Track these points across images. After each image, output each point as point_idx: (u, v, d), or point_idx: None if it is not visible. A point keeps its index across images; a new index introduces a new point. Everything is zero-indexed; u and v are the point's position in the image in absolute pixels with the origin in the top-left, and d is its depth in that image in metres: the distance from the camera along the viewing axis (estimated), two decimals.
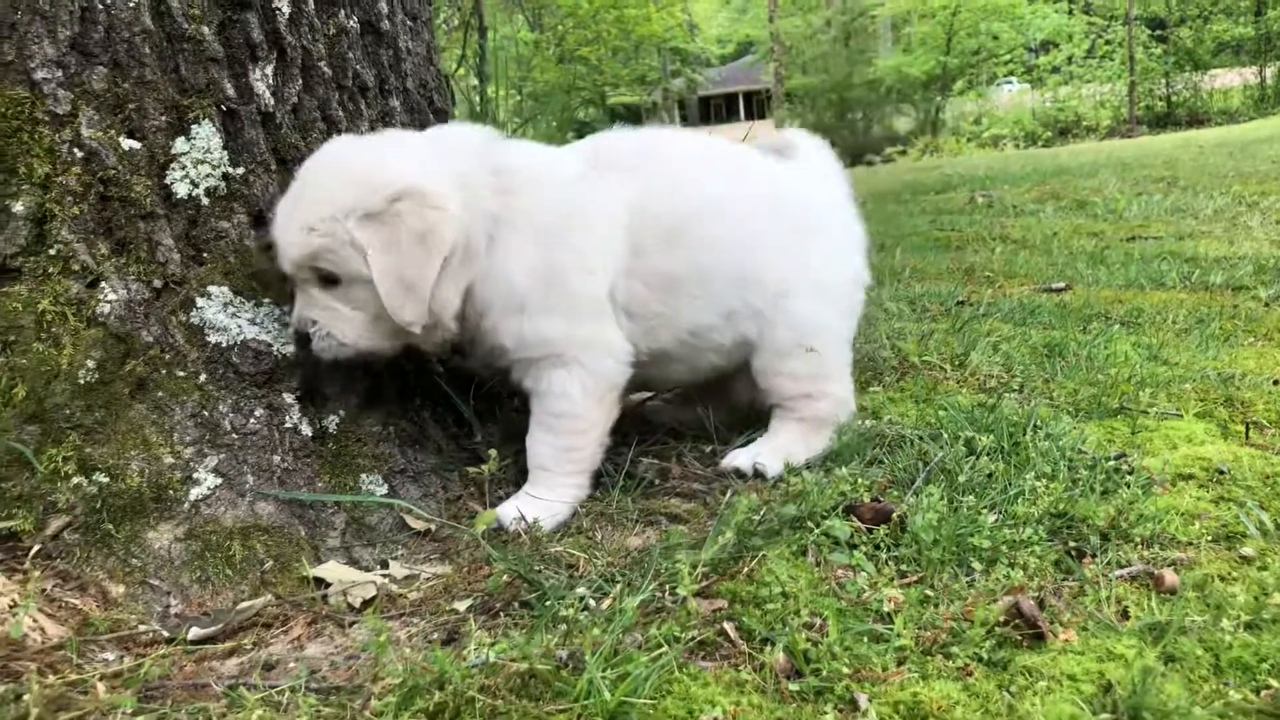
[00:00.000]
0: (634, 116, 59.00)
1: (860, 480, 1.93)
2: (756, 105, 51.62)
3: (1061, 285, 4.17)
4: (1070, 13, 32.18)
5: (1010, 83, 34.30)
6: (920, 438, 2.18)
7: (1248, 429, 2.28)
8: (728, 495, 2.06)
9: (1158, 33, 28.81)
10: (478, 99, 26.49)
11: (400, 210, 2.02)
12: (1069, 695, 1.30)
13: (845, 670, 1.38)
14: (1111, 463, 2.04)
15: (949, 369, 2.78)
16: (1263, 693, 1.30)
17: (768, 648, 1.42)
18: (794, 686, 1.35)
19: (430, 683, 1.33)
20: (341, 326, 2.08)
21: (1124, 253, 5.18)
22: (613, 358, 2.22)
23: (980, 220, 7.26)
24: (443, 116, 2.98)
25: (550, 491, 2.15)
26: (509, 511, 2.09)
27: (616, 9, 23.49)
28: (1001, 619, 1.48)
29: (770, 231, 2.37)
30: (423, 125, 2.82)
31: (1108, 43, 29.71)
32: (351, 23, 2.47)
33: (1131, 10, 27.82)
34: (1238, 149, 11.25)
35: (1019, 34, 31.26)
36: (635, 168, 2.33)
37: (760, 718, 1.29)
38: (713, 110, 64.89)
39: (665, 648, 1.41)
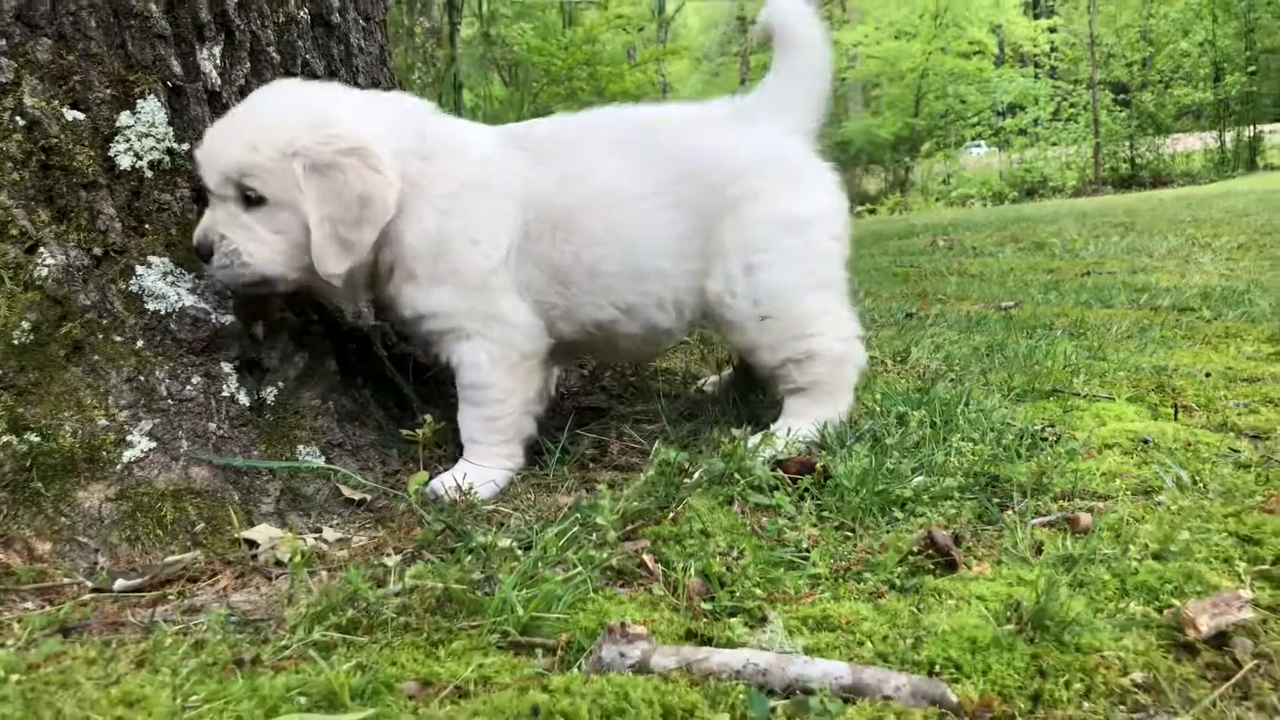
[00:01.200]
0: None
1: (789, 442, 1.96)
2: None
3: (1011, 304, 4.24)
4: (1036, 77, 32.86)
5: (978, 145, 34.89)
6: (853, 415, 2.21)
7: (1176, 410, 2.32)
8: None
9: (1121, 97, 29.44)
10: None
11: (346, 166, 2.07)
12: (976, 610, 1.32)
13: (759, 592, 1.39)
14: (1038, 431, 2.07)
15: (890, 363, 2.81)
16: (1164, 611, 1.33)
17: (683, 572, 1.44)
18: (706, 605, 1.36)
19: (343, 600, 1.34)
20: (252, 247, 2.09)
21: (1078, 284, 5.26)
22: (515, 329, 2.21)
23: (940, 259, 7.36)
24: None
25: (483, 460, 2.16)
26: (445, 481, 2.09)
27: (590, 65, 23.76)
28: (915, 549, 1.50)
29: (670, 219, 2.25)
30: None
31: (1072, 106, 30.31)
32: (302, 13, 2.51)
33: (1095, 75, 28.44)
34: (1195, 201, 11.48)
35: (986, 97, 31.86)
36: (548, 153, 2.32)
37: (670, 629, 1.30)
38: None
39: (581, 570, 1.42)
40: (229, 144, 2.07)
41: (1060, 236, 7.98)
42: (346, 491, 2.12)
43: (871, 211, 27.85)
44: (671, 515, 1.65)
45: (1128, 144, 27.86)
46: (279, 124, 2.09)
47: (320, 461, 2.15)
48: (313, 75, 2.53)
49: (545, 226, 2.24)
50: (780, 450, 1.91)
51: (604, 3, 35.25)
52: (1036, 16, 37.95)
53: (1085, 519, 1.61)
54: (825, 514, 1.69)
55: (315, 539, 1.94)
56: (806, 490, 1.76)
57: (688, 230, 2.26)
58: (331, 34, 2.63)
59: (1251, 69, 26.50)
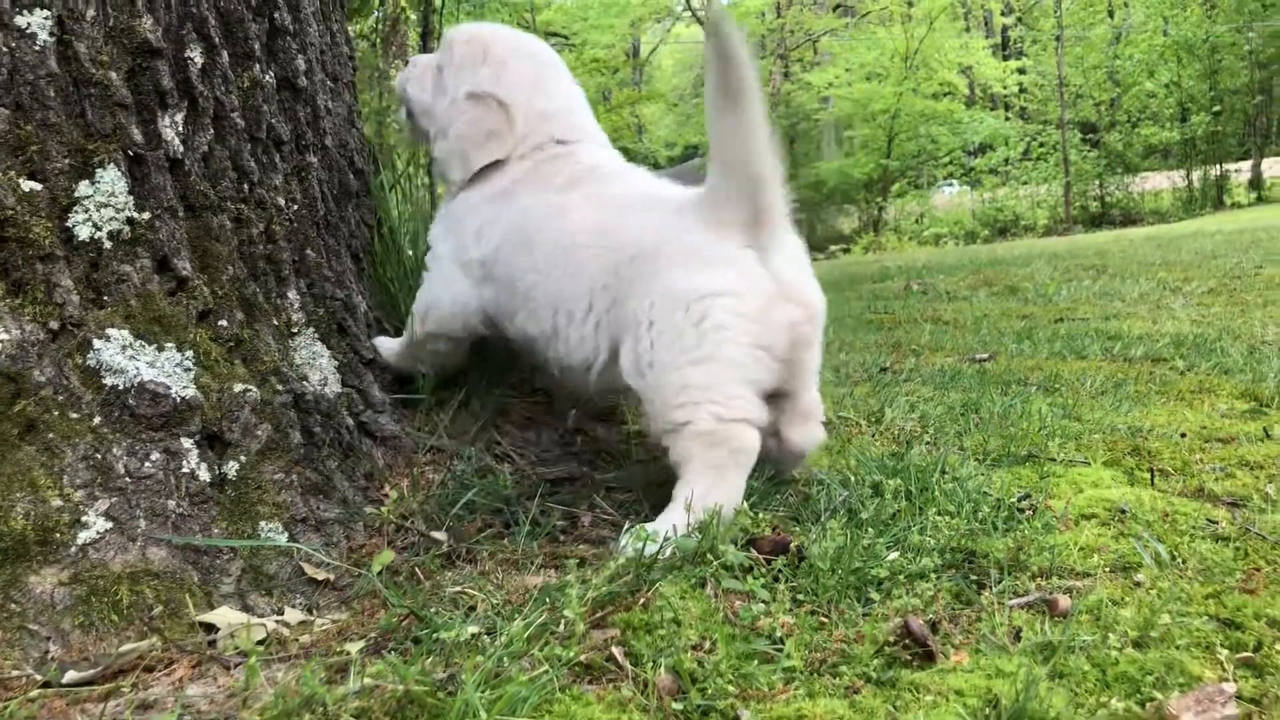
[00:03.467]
0: None
1: (761, 515, 1.92)
2: None
3: (985, 356, 4.23)
4: (1007, 118, 33.27)
5: (951, 184, 35.26)
6: (826, 482, 2.17)
7: (1153, 475, 2.30)
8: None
9: (1090, 136, 29.84)
10: (427, 196, 26.75)
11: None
12: (954, 708, 1.28)
13: (731, 690, 1.35)
14: (1015, 502, 2.05)
15: (865, 424, 2.79)
16: (1147, 705, 1.29)
17: (653, 668, 1.39)
18: (678, 705, 1.32)
19: (300, 705, 1.29)
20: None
21: (1051, 331, 5.27)
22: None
23: (914, 305, 7.37)
24: (362, 177, 2.99)
25: None
26: None
27: None
28: (891, 639, 1.46)
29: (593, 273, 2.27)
30: (342, 184, 2.83)
31: (1041, 145, 30.70)
32: (268, 77, 2.49)
33: (1064, 115, 28.81)
34: (1165, 242, 11.58)
35: (957, 138, 32.22)
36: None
37: None
38: None
39: (548, 668, 1.37)
40: None
41: (1033, 280, 8.02)
42: (310, 570, 2.07)
43: (846, 251, 28.04)
44: (643, 600, 1.61)
45: (1097, 183, 28.20)
46: None
47: (283, 538, 2.09)
48: (278, 141, 2.50)
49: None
50: (747, 528, 1.87)
51: (579, 47, 35.55)
52: (1006, 58, 38.51)
53: (1064, 602, 1.57)
54: (800, 597, 1.66)
55: (276, 622, 1.88)
56: (780, 572, 1.72)
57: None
58: (298, 96, 2.60)
59: (1216, 109, 26.92)
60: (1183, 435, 2.65)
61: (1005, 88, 35.16)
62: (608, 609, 1.60)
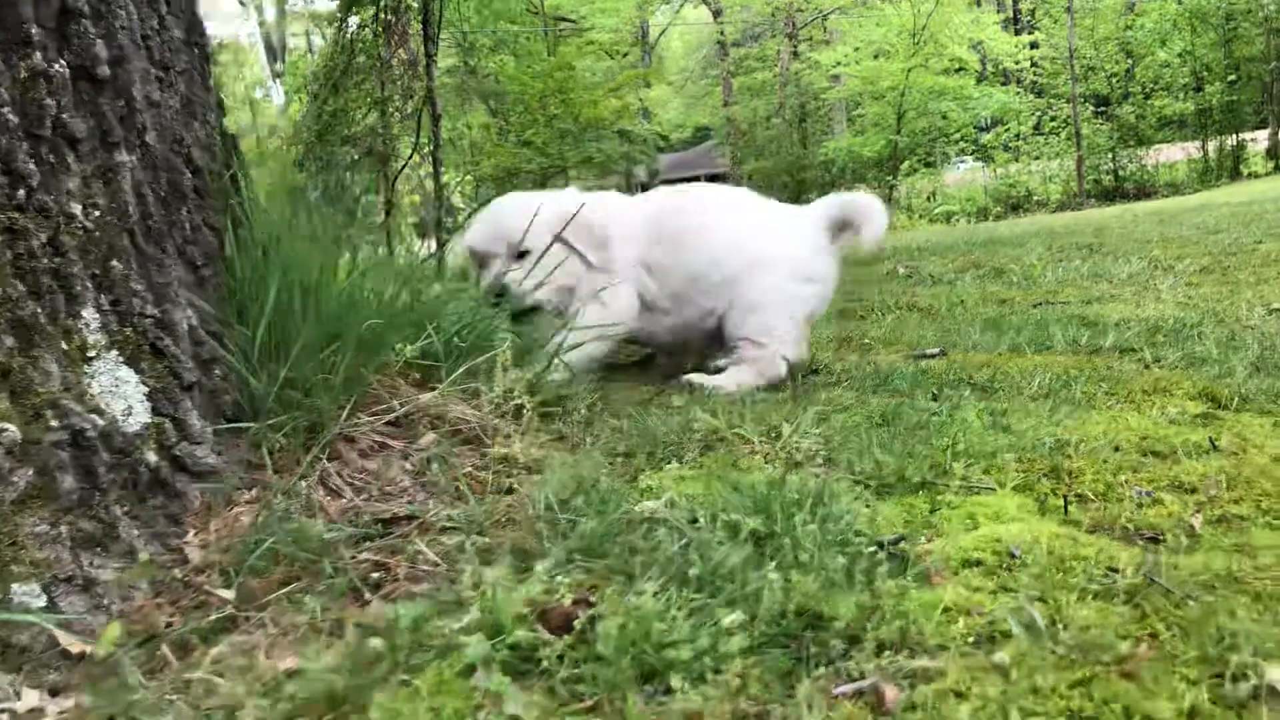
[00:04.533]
0: None
1: (562, 579, 1.61)
2: None
3: (935, 351, 3.90)
4: (1018, 92, 32.70)
5: (965, 161, 34.75)
6: (669, 521, 1.86)
7: (1066, 503, 1.98)
8: (463, 579, 1.74)
9: (1102, 109, 29.25)
10: (431, 182, 26.42)
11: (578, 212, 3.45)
12: None
13: None
14: (883, 552, 1.73)
15: (758, 441, 2.47)
16: None
17: None
18: None
19: None
20: (531, 284, 3.35)
21: (1024, 318, 4.94)
22: None
23: (893, 290, 7.04)
24: (202, 175, 2.69)
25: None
26: None
27: (563, 93, 23.56)
28: None
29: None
30: (173, 185, 2.53)
31: (1053, 119, 30.14)
32: (56, 68, 2.18)
33: (1075, 88, 28.25)
34: (1168, 217, 11.18)
35: (968, 113, 31.68)
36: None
37: None
38: None
39: None
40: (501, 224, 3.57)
41: (1021, 262, 7.66)
42: (65, 641, 1.77)
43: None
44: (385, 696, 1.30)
45: (1110, 156, 27.65)
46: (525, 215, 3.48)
47: (40, 602, 1.80)
48: (71, 139, 2.19)
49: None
50: (536, 599, 1.56)
51: (584, 29, 35.20)
52: (1018, 32, 37.89)
53: (892, 695, 1.26)
54: (582, 688, 1.35)
55: (1, 711, 1.59)
56: (564, 654, 1.41)
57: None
58: (102, 89, 2.30)
59: (1231, 78, 26.31)
60: (1116, 449, 2.33)
61: (1017, 62, 34.54)
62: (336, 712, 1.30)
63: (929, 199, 31.02)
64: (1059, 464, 2.19)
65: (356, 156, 29.68)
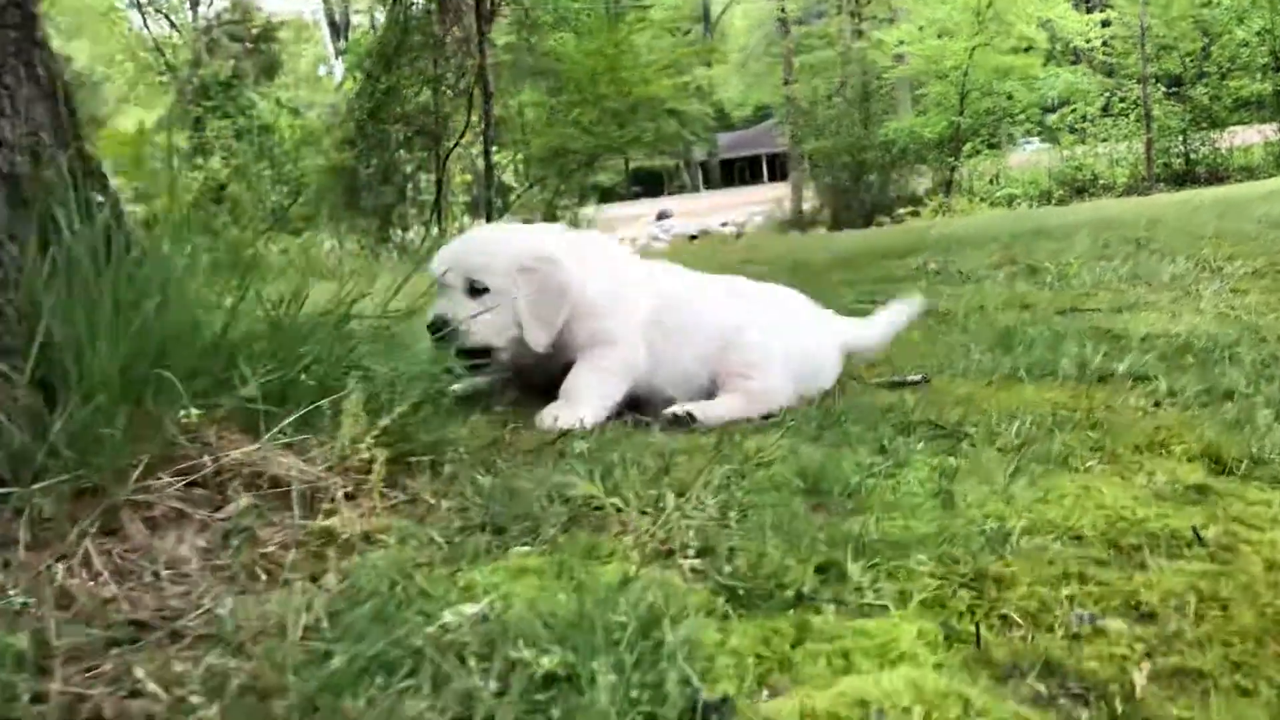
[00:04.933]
0: (655, 180, 58.93)
1: None
2: (780, 167, 51.16)
3: (917, 378, 3.40)
4: (1085, 72, 31.58)
5: (1031, 142, 33.70)
6: (431, 658, 1.42)
7: (980, 632, 1.51)
8: None
9: (1174, 90, 28.11)
10: (482, 163, 26.11)
11: (545, 269, 3.14)
12: None
13: None
14: (717, 703, 1.28)
15: (635, 515, 2.02)
16: None
17: None
18: None
19: None
20: (477, 323, 3.07)
21: (1039, 331, 4.43)
22: None
23: (915, 288, 6.51)
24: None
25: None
26: None
27: (614, 70, 23.08)
28: None
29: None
30: None
31: (1122, 100, 29.06)
32: None
33: (1145, 68, 27.17)
34: (1231, 207, 10.47)
35: (1034, 94, 30.67)
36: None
37: None
38: (736, 172, 64.72)
39: None
40: (466, 251, 3.22)
41: (1059, 260, 7.08)
42: None
43: (915, 214, 26.90)
44: None
45: (1181, 139, 26.56)
46: (497, 246, 3.23)
47: None
48: None
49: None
50: None
51: (646, 5, 34.58)
52: (1089, 10, 36.59)
53: None
54: None
55: None
56: None
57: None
58: None
59: None
60: (1073, 539, 1.85)
61: (1088, 41, 33.34)
62: None
63: (991, 182, 30.12)
64: (988, 568, 1.71)
65: (408, 135, 29.54)
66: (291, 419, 2.18)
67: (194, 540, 1.97)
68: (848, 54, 37.00)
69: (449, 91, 28.94)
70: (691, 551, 1.80)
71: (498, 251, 3.17)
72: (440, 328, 3.08)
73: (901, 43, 32.87)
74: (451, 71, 28.96)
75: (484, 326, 3.09)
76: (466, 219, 29.15)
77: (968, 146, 30.62)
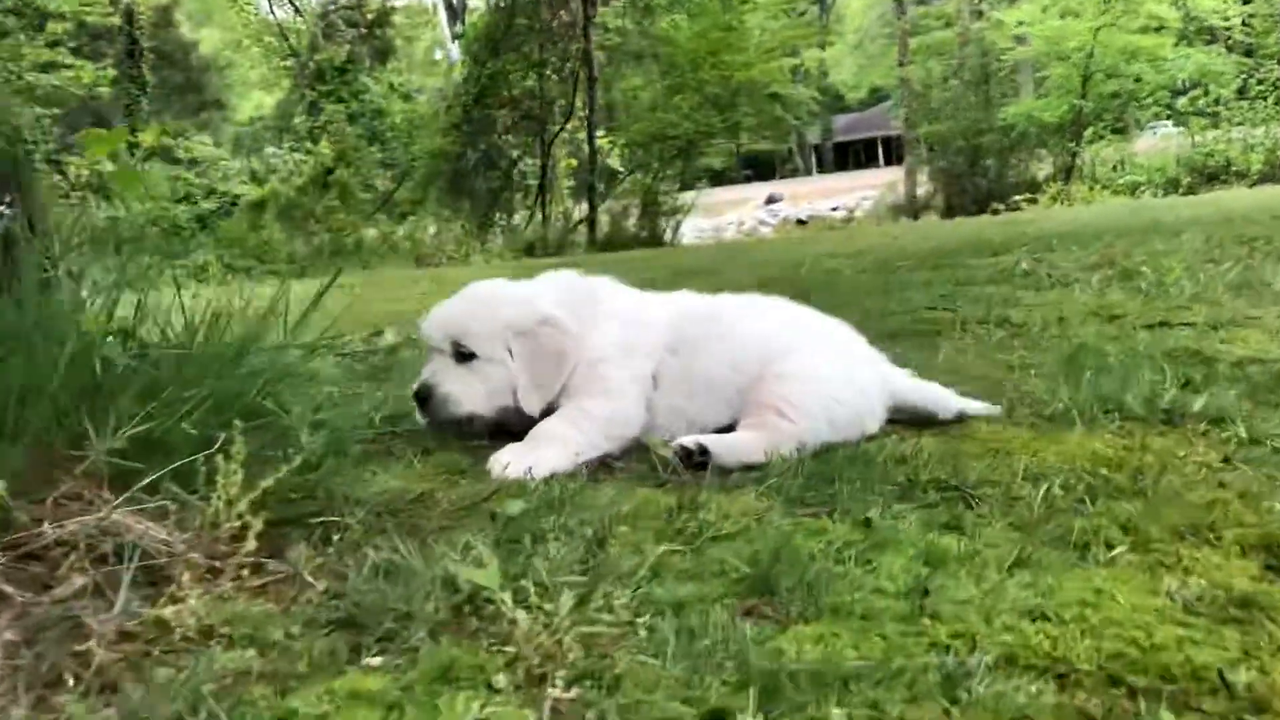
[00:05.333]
0: (766, 163, 58.16)
1: None
2: (896, 151, 49.97)
3: (954, 416, 2.97)
4: (1220, 53, 29.92)
5: (1162, 126, 32.09)
6: None
7: None
8: None
9: None
10: (587, 148, 26.01)
11: (542, 333, 2.90)
12: None
13: None
14: None
15: (524, 620, 1.65)
16: None
17: None
18: None
19: None
20: (464, 393, 2.88)
21: (1120, 349, 3.94)
22: None
23: (998, 294, 6.01)
24: None
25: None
26: None
27: (716, 54, 22.59)
28: None
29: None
30: None
31: (1260, 83, 27.44)
32: None
33: None
34: None
35: (1163, 75, 29.17)
36: None
37: None
38: (851, 156, 63.49)
39: None
40: (453, 314, 2.98)
41: (1161, 263, 6.46)
42: None
43: (1032, 201, 25.83)
44: None
45: None
46: (491, 307, 2.98)
47: None
48: None
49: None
50: None
51: None
52: None
53: None
54: None
55: None
56: None
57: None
58: None
59: None
60: (1062, 677, 1.43)
61: (1225, 19, 31.55)
62: None
63: (1115, 168, 28.74)
64: None
65: (514, 119, 29.54)
66: (148, 479, 1.88)
67: (3, 633, 1.68)
68: (966, 34, 35.73)
69: (554, 76, 28.85)
70: (562, 683, 1.44)
71: (487, 315, 2.95)
72: (425, 397, 2.91)
73: (1022, 23, 31.55)
74: (557, 56, 28.86)
75: (471, 396, 2.90)
76: (570, 203, 29.09)
77: (1090, 131, 29.28)
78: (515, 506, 2.15)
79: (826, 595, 1.72)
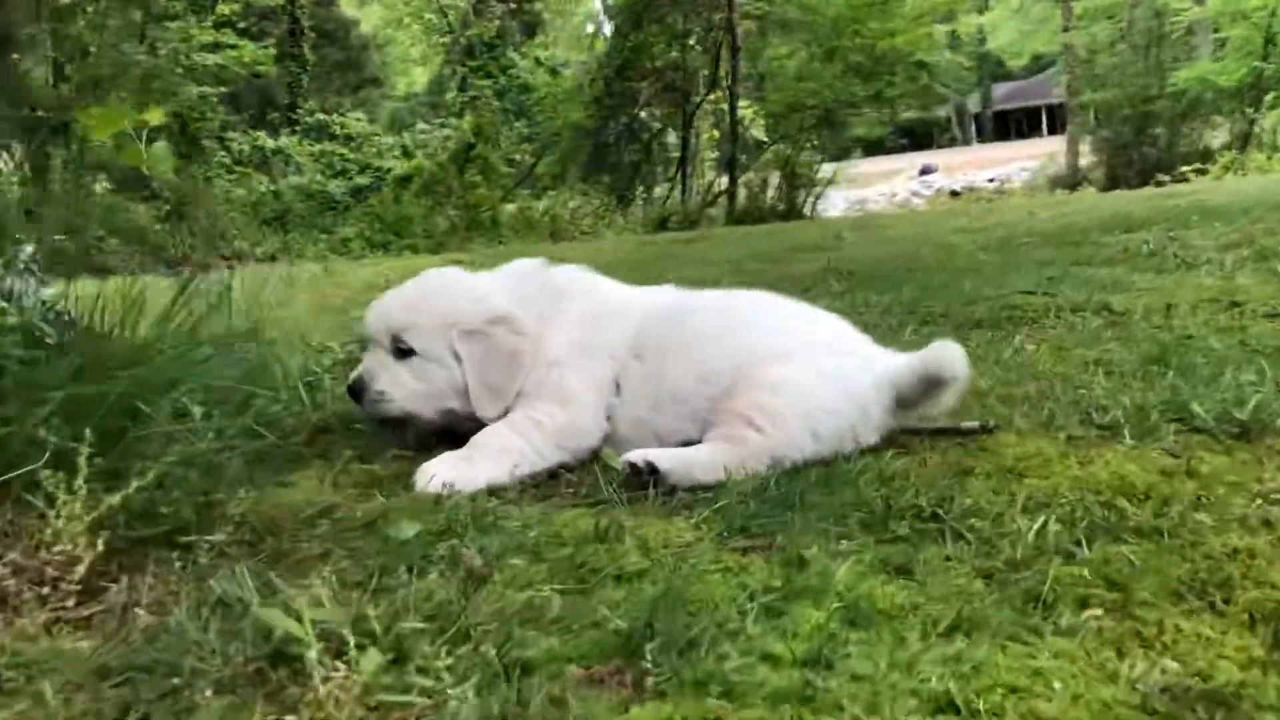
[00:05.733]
0: (923, 132, 56.36)
1: None
2: (1060, 120, 47.80)
3: (974, 427, 2.58)
4: None
5: None
6: None
7: None
8: None
9: None
10: (728, 119, 25.66)
11: (493, 332, 2.65)
12: None
13: None
14: None
15: (319, 684, 1.41)
16: None
17: None
18: None
19: None
20: (398, 390, 2.65)
21: (1228, 342, 3.47)
22: None
23: (1110, 276, 5.48)
24: None
25: None
26: None
27: (858, 22, 21.84)
28: None
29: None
30: None
31: None
32: None
33: None
34: None
35: None
36: None
37: None
38: (1012, 125, 61.09)
39: None
40: (395, 304, 2.75)
41: None
42: None
43: (1202, 172, 24.26)
44: None
45: None
46: (439, 301, 2.73)
47: None
48: None
49: None
50: None
51: None
52: None
53: None
54: None
55: None
56: None
57: None
58: None
59: None
60: None
61: None
62: None
63: None
64: None
65: (655, 91, 29.31)
66: None
67: None
68: None
69: (697, 46, 28.45)
70: None
71: (431, 310, 2.70)
72: (358, 391, 2.70)
73: None
74: (700, 26, 28.43)
75: (407, 395, 2.68)
76: (711, 175, 28.70)
77: (1271, 96, 27.32)
78: (409, 529, 1.91)
79: (703, 662, 1.42)
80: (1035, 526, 1.86)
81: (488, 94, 33.65)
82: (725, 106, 26.96)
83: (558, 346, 2.66)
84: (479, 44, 36.84)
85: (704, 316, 2.75)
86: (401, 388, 2.65)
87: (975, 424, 2.58)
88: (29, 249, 2.20)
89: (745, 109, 27.18)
